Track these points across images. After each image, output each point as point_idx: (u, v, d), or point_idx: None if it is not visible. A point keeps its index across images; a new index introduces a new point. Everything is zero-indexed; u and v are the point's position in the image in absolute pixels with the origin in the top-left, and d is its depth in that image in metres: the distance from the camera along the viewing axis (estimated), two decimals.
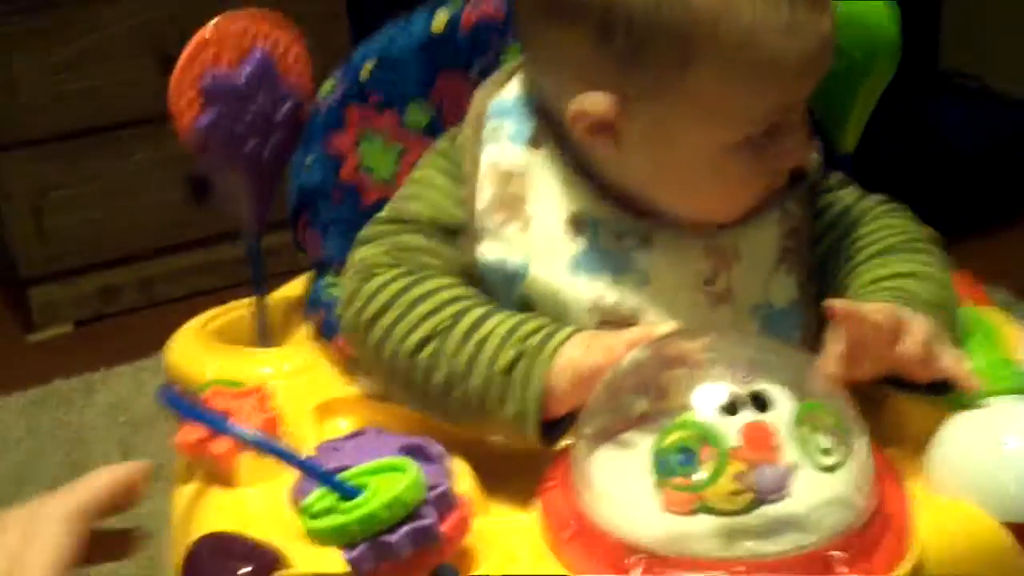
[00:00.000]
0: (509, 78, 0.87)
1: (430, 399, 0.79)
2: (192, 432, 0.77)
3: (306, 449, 0.78)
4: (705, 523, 0.65)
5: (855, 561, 0.64)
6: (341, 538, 0.64)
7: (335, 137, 0.95)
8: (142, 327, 1.99)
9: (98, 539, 0.72)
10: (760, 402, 0.68)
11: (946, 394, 0.75)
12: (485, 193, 0.83)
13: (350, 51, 0.96)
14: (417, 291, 0.81)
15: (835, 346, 0.72)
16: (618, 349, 0.74)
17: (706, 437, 0.65)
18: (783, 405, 0.68)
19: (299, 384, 0.89)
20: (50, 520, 0.65)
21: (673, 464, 0.66)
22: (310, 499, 0.66)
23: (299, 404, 0.86)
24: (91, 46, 1.96)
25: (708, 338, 0.72)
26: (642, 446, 0.68)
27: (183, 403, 0.71)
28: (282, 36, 0.94)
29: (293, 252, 1.00)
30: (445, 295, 0.80)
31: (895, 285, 0.80)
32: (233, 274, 1.99)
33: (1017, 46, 2.22)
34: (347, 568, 0.65)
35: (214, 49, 0.92)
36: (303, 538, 0.66)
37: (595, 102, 0.78)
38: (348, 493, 0.65)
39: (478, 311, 0.79)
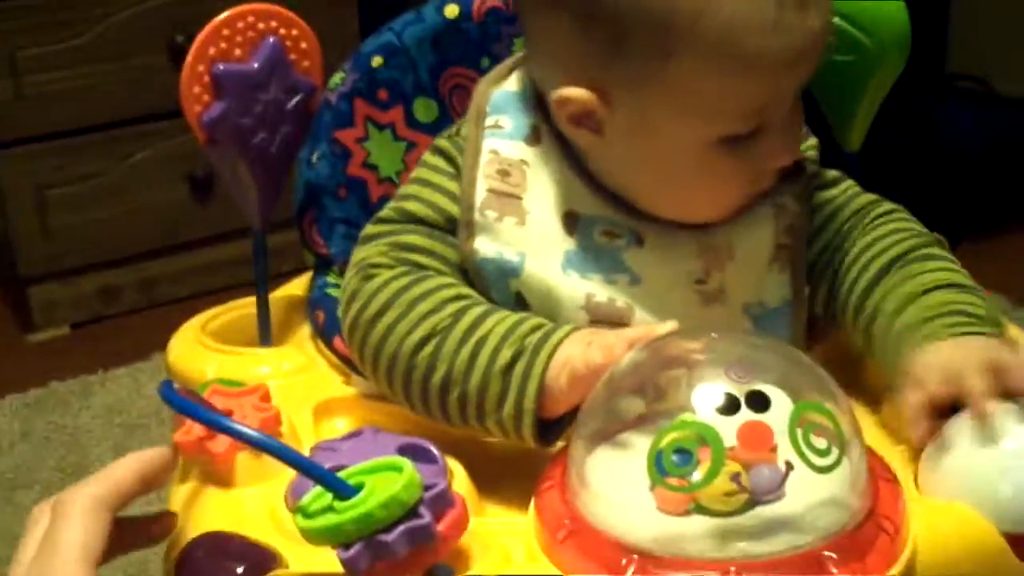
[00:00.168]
0: (511, 72, 0.88)
1: (430, 399, 0.79)
2: (191, 430, 0.77)
3: (303, 449, 0.78)
4: (699, 524, 0.65)
5: (848, 561, 0.64)
6: (336, 537, 0.64)
7: (342, 132, 0.95)
8: (141, 328, 1.99)
9: (129, 525, 0.73)
10: (758, 402, 0.68)
11: None
12: (482, 188, 0.84)
13: (360, 42, 0.97)
14: (417, 290, 0.81)
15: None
16: (618, 349, 0.73)
17: (703, 437, 0.65)
18: (780, 405, 0.68)
19: (298, 384, 0.89)
20: (78, 507, 0.67)
21: (670, 465, 0.66)
22: (306, 499, 0.66)
23: (298, 404, 0.86)
24: (97, 40, 1.97)
25: (706, 338, 0.72)
26: (639, 447, 0.68)
27: (183, 400, 0.71)
28: (293, 27, 0.95)
29: (299, 252, 1.00)
30: (445, 294, 0.81)
31: (951, 309, 0.79)
32: (234, 275, 2.00)
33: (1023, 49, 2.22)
34: (342, 568, 0.65)
35: (225, 40, 0.92)
36: (299, 538, 0.66)
37: (578, 92, 0.79)
38: (344, 492, 0.65)
39: (477, 310, 0.79)
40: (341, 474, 0.66)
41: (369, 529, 0.64)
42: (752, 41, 0.75)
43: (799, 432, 0.65)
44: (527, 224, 0.83)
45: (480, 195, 0.84)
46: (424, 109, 0.96)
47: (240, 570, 0.69)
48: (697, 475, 0.65)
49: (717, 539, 0.65)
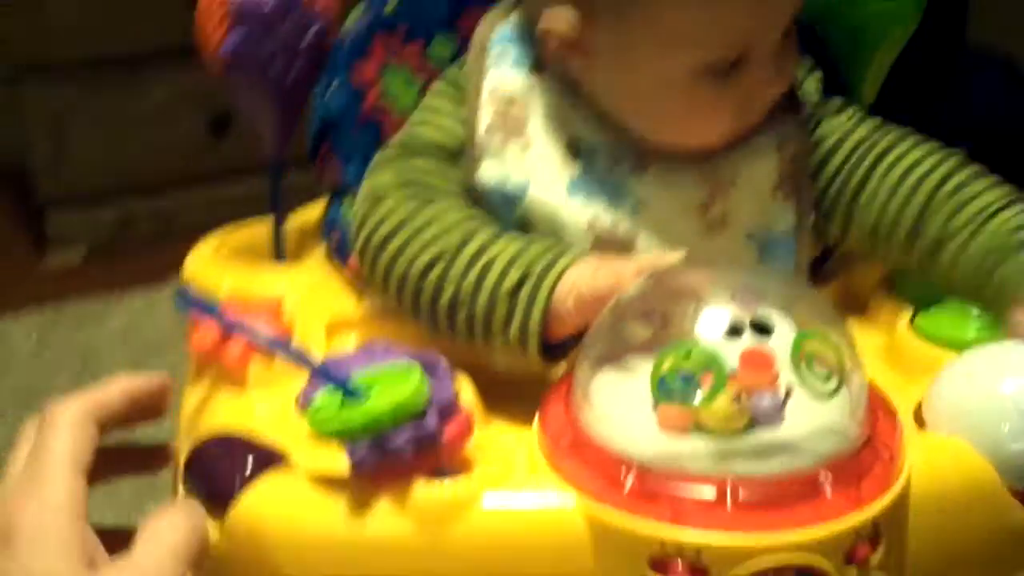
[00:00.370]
0: (515, 6, 0.88)
1: (438, 321, 0.81)
2: (207, 335, 0.79)
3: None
4: (699, 443, 0.67)
5: (843, 484, 0.66)
6: (343, 435, 0.66)
7: (360, 66, 0.96)
8: (157, 255, 2.00)
9: (128, 452, 0.74)
10: (761, 328, 0.69)
11: None
12: (487, 115, 0.85)
13: None
14: (426, 214, 0.82)
15: None
16: (626, 275, 0.75)
17: (706, 361, 0.66)
18: (783, 332, 0.69)
19: (312, 300, 0.90)
20: (66, 418, 0.67)
21: (673, 387, 0.67)
22: (317, 399, 0.68)
23: (311, 319, 0.87)
24: None
25: (714, 267, 0.73)
26: (644, 370, 0.69)
27: (201, 302, 0.72)
28: None
29: (314, 190, 1.00)
30: (453, 217, 0.82)
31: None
32: (250, 210, 2.00)
33: None
34: (348, 468, 0.67)
35: None
36: (308, 442, 0.68)
37: (560, 19, 0.80)
38: (354, 394, 0.67)
39: (485, 233, 0.81)
40: (352, 376, 0.68)
41: (376, 430, 0.66)
42: None
43: (801, 358, 0.66)
44: (531, 150, 0.84)
45: (484, 123, 0.85)
46: (443, 46, 0.97)
47: (247, 468, 0.71)
48: (699, 396, 0.66)
49: (716, 459, 0.66)
